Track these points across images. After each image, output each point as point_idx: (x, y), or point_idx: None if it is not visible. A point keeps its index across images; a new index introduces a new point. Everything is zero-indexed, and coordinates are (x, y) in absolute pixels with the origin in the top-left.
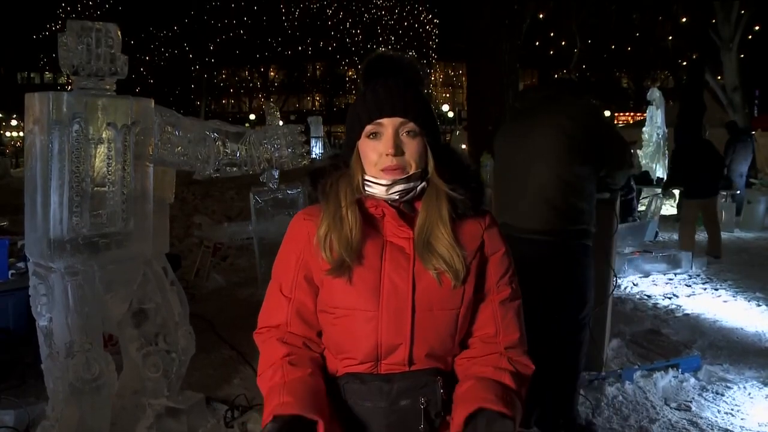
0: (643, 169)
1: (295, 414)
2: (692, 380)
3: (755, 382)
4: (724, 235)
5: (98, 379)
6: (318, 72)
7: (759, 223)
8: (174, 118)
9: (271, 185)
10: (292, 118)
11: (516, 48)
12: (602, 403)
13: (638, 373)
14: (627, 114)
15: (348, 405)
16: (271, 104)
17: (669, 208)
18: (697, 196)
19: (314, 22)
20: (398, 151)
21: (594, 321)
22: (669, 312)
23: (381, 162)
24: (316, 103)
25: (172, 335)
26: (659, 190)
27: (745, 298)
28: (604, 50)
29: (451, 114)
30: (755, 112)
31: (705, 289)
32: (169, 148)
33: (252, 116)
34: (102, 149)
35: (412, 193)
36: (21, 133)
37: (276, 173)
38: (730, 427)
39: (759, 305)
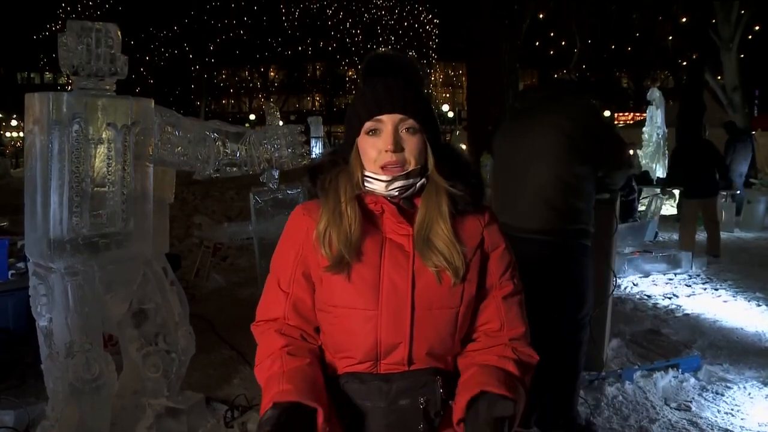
0: (643, 169)
1: (294, 401)
2: (692, 380)
3: (755, 382)
4: (724, 235)
5: (98, 380)
6: (318, 72)
7: (759, 223)
8: (174, 118)
9: (271, 185)
10: (292, 118)
11: (516, 48)
12: (602, 403)
13: (638, 373)
14: (627, 114)
15: (347, 405)
16: (271, 104)
17: (669, 208)
18: (697, 196)
19: (314, 22)
20: (398, 147)
21: (594, 321)
22: (669, 312)
23: (380, 158)
24: (316, 103)
25: (172, 335)
26: (659, 190)
27: (745, 298)
28: (604, 50)
29: (451, 114)
30: (755, 112)
31: (705, 289)
32: (169, 148)
33: (252, 116)
34: (102, 149)
35: (411, 190)
36: (21, 133)
37: (276, 173)
38: (730, 427)
39: (759, 305)
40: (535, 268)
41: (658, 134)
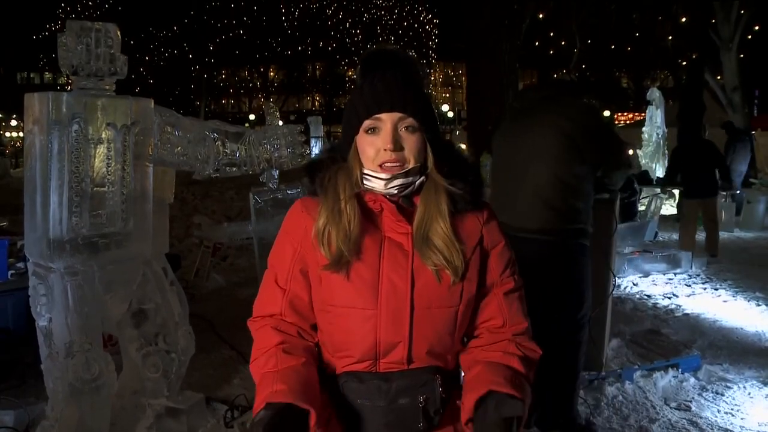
0: (643, 169)
1: (287, 402)
2: (692, 380)
3: (755, 382)
4: (724, 234)
5: (98, 380)
6: (318, 72)
7: (759, 223)
8: (174, 118)
9: (270, 185)
10: (292, 118)
11: (516, 48)
12: (602, 403)
13: (638, 373)
14: (627, 114)
15: (347, 404)
16: (271, 104)
17: (669, 208)
18: (698, 196)
19: (314, 22)
20: (397, 146)
21: (594, 321)
22: (669, 312)
23: (379, 157)
24: (316, 103)
25: (171, 335)
26: (659, 190)
27: (745, 298)
28: (604, 50)
29: (451, 114)
30: (755, 111)
31: (705, 288)
32: (168, 148)
33: (252, 116)
34: (101, 149)
35: (410, 188)
36: (21, 133)
37: (276, 173)
38: (730, 427)
39: (759, 305)
40: (534, 267)
41: (657, 134)
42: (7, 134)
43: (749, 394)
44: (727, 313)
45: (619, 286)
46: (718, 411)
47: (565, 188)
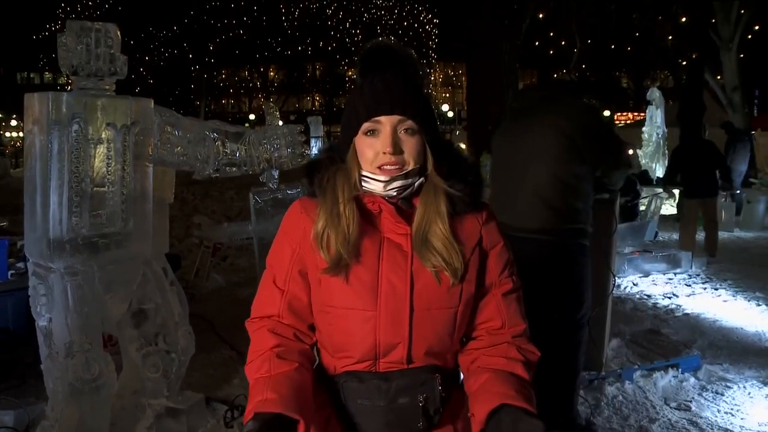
0: (643, 169)
1: (276, 413)
2: (692, 380)
3: (755, 382)
4: (724, 234)
5: (98, 380)
6: (318, 72)
7: (759, 223)
8: (173, 118)
9: (270, 185)
10: (292, 118)
11: (516, 48)
12: (602, 403)
13: (638, 372)
14: (627, 114)
15: (347, 404)
16: (271, 104)
17: (669, 208)
18: (698, 196)
19: (314, 22)
20: (396, 149)
21: (594, 321)
22: (669, 312)
23: (378, 159)
24: (316, 103)
25: (171, 335)
26: (659, 190)
27: (745, 297)
28: (604, 50)
29: (451, 114)
30: (755, 111)
31: (705, 288)
32: (168, 148)
33: (252, 116)
34: (101, 149)
35: (410, 190)
36: (21, 133)
37: (276, 173)
38: (730, 427)
39: (759, 305)
40: (533, 267)
41: (657, 134)
42: (7, 134)
43: (749, 394)
44: (727, 313)
45: (619, 286)
46: (718, 411)
47: (564, 188)
